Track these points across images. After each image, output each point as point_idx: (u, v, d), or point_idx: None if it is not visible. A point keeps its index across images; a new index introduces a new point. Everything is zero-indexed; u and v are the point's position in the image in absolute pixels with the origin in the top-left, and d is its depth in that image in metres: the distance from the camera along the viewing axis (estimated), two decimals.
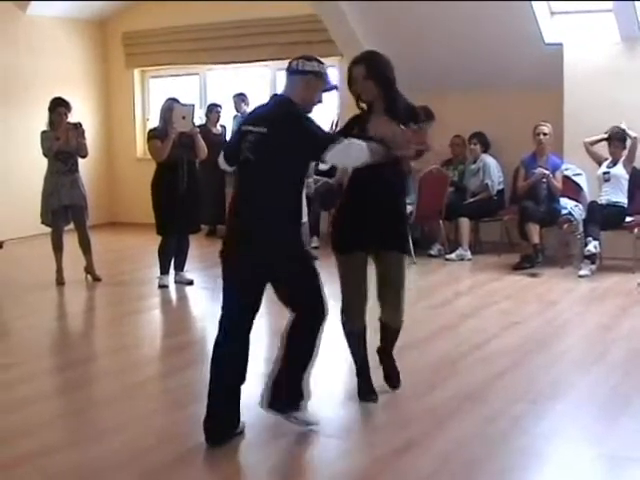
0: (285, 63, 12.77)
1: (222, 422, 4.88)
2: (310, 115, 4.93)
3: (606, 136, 9.56)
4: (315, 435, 4.98)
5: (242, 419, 5.01)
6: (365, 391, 5.50)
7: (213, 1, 12.49)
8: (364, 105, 5.36)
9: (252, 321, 4.97)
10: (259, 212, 4.79)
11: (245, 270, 4.85)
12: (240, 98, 12.39)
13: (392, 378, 5.65)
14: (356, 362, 5.56)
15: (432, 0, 9.78)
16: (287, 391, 4.97)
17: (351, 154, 4.81)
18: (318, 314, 4.93)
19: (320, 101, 4.98)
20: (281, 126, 4.79)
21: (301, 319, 4.94)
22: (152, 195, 8.88)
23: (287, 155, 4.76)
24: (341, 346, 7.15)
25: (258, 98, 10.54)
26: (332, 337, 7.27)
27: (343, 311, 5.38)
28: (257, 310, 4.97)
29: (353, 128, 5.25)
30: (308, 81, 4.87)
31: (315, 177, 11.61)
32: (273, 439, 4.96)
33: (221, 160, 5.17)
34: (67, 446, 4.93)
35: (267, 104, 5.05)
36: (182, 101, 8.88)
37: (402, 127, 4.94)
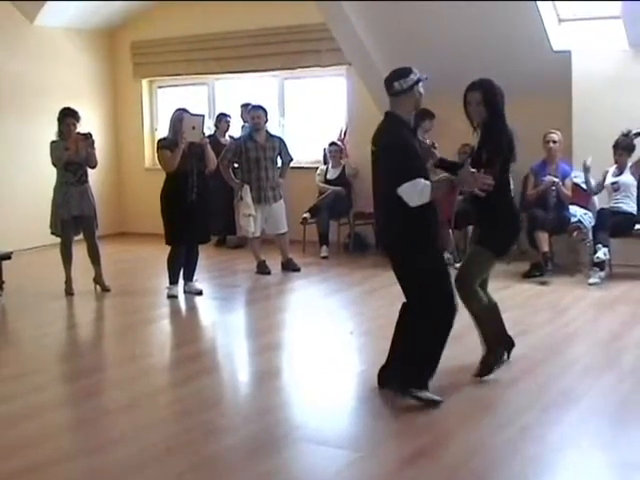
0: (293, 72, 12.79)
1: None
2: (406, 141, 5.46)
3: (588, 170, 9.43)
4: (325, 445, 4.97)
5: (255, 428, 5.17)
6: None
7: (223, 1, 12.53)
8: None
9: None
10: (381, 212, 5.68)
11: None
12: (247, 108, 12.39)
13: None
14: None
15: (440, 0, 9.78)
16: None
17: (414, 194, 5.29)
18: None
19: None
20: (379, 146, 5.48)
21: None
22: (161, 205, 8.88)
23: (388, 169, 5.42)
24: (351, 355, 7.16)
25: (267, 107, 10.55)
26: (340, 348, 7.29)
27: None
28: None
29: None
30: (414, 93, 5.45)
31: (322, 185, 11.69)
32: (282, 449, 4.95)
33: None
34: (77, 455, 4.94)
35: (381, 123, 5.59)
36: (192, 111, 8.90)
37: (474, 171, 5.46)
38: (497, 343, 6.07)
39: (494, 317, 6.10)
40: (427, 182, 5.34)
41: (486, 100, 5.77)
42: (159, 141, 9.07)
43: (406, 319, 5.63)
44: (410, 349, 5.51)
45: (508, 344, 6.27)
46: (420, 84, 5.46)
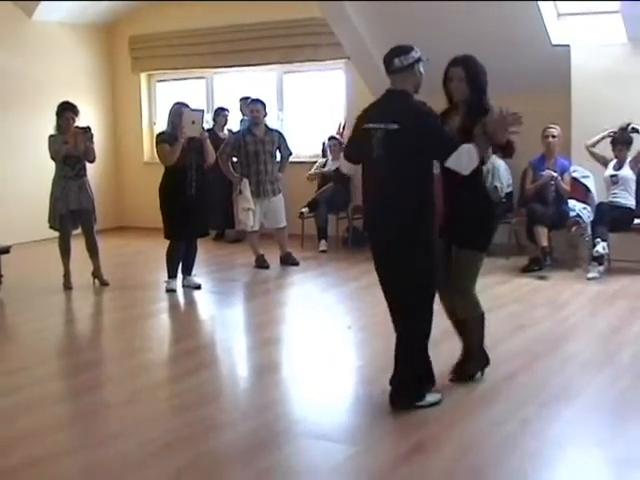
0: (292, 66, 12.77)
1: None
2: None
3: (606, 134, 9.54)
4: (323, 440, 4.97)
5: (254, 423, 5.24)
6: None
7: (220, 1, 12.51)
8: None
9: None
10: (384, 204, 5.31)
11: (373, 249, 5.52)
12: (247, 102, 12.37)
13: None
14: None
15: (439, 0, 9.77)
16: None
17: (463, 161, 5.20)
18: (415, 309, 5.39)
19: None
20: (412, 122, 5.16)
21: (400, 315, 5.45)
22: (160, 199, 8.87)
23: (418, 151, 5.17)
24: (349, 350, 7.16)
25: (265, 101, 10.54)
26: (339, 343, 7.28)
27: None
28: None
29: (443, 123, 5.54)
30: (415, 72, 5.32)
31: (315, 172, 11.65)
32: (281, 444, 4.95)
33: (343, 162, 5.71)
34: (77, 450, 4.95)
35: (387, 100, 5.35)
36: (191, 106, 8.89)
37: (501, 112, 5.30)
38: (480, 351, 5.85)
39: (483, 326, 5.88)
40: (469, 145, 5.20)
41: (469, 76, 5.53)
42: (158, 135, 9.06)
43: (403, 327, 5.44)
44: (410, 352, 5.40)
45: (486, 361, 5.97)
46: (421, 63, 5.34)
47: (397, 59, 5.27)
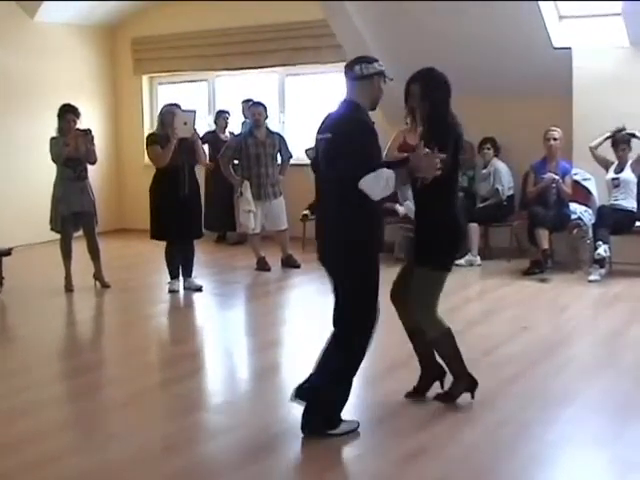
0: (293, 69, 12.76)
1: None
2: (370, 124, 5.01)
3: (610, 134, 9.55)
4: (325, 442, 4.95)
5: (254, 425, 5.23)
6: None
7: (223, 1, 12.52)
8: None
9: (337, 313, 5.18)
10: (326, 216, 5.08)
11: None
12: (248, 104, 12.38)
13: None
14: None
15: (441, 0, 9.77)
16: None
17: (377, 186, 4.82)
18: (350, 331, 5.11)
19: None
20: (341, 132, 4.91)
21: (335, 331, 5.18)
22: (151, 200, 8.86)
23: (347, 158, 4.84)
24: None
25: (267, 104, 10.54)
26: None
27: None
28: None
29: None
30: (374, 84, 5.04)
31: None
32: (283, 446, 4.94)
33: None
34: (75, 453, 4.94)
35: (336, 110, 5.13)
36: (191, 108, 8.90)
37: (428, 151, 4.99)
38: (462, 370, 5.50)
39: (453, 341, 5.49)
40: (391, 171, 4.84)
41: (426, 93, 5.29)
42: (148, 137, 9.08)
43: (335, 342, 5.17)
44: (335, 377, 5.11)
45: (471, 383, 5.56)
46: (381, 78, 5.04)
47: (358, 66, 5.03)
